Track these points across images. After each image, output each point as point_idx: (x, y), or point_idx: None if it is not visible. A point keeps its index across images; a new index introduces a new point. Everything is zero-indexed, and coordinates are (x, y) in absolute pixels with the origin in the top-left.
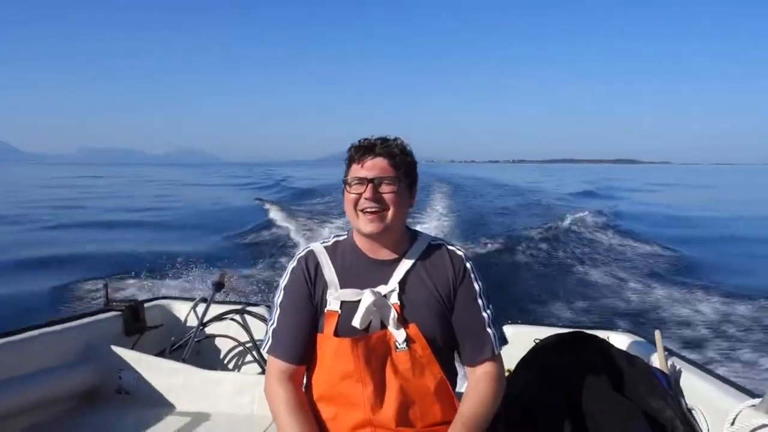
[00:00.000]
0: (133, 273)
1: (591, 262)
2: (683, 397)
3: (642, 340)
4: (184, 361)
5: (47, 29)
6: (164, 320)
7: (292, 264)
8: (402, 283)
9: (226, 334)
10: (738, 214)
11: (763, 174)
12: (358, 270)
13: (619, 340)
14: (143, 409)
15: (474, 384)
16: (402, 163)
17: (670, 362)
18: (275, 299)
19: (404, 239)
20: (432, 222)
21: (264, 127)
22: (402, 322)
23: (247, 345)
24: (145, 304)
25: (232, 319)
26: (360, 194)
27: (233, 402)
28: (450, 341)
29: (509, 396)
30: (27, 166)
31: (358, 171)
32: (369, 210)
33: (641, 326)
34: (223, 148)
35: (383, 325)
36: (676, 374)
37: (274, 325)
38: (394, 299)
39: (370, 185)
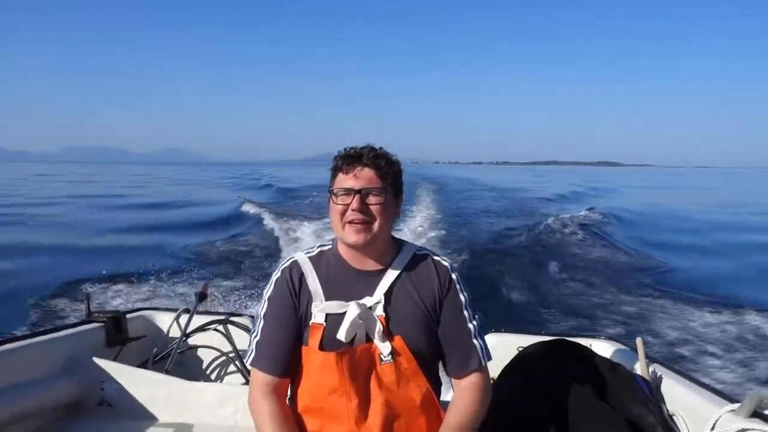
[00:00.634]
0: (114, 283)
1: (574, 268)
2: (664, 403)
3: (624, 347)
4: (167, 372)
5: (29, 24)
6: (147, 331)
7: (276, 275)
8: (387, 295)
9: (210, 344)
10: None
11: (743, 177)
12: (343, 281)
13: (602, 347)
14: (126, 420)
15: (460, 395)
16: (389, 173)
17: (651, 369)
18: (259, 310)
19: (389, 249)
20: (415, 223)
21: (250, 127)
22: (387, 334)
23: (231, 355)
24: (128, 315)
25: (215, 330)
26: (347, 205)
27: (217, 413)
28: (435, 353)
29: (493, 404)
30: (10, 163)
31: (344, 181)
32: (356, 221)
33: (624, 334)
34: (210, 147)
35: (368, 338)
36: (658, 381)
37: (258, 336)
38: (379, 311)
39: (357, 196)
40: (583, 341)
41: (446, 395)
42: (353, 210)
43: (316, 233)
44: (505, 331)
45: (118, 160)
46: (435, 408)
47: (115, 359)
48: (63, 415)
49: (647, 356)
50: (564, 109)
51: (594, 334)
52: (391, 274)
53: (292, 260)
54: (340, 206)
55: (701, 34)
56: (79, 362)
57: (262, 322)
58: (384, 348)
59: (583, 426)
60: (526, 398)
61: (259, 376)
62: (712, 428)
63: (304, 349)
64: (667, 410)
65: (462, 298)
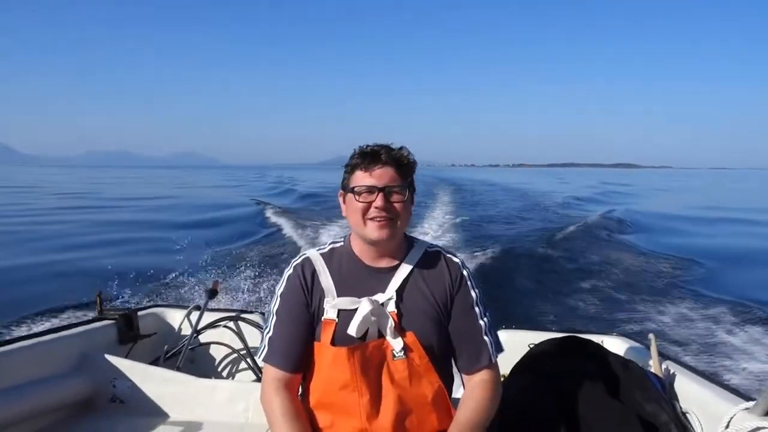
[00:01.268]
0: (126, 280)
1: (587, 266)
2: (677, 400)
3: (636, 344)
4: (178, 369)
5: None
6: (158, 328)
7: (288, 271)
8: (399, 292)
9: (220, 341)
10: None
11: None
12: (355, 278)
13: (614, 344)
14: (137, 417)
15: (470, 391)
16: (408, 171)
17: (664, 366)
18: (271, 306)
19: (402, 246)
20: (434, 223)
21: (264, 129)
22: (399, 330)
23: (242, 352)
24: (139, 313)
25: (226, 327)
26: (369, 202)
27: (228, 410)
28: (447, 349)
29: (504, 401)
30: (27, 167)
31: (365, 179)
32: (378, 218)
33: (636, 331)
34: (224, 151)
35: (380, 334)
36: (671, 378)
37: (270, 333)
38: (391, 308)
39: (380, 194)
40: (595, 338)
41: (458, 392)
42: (377, 208)
43: (337, 234)
44: (516, 328)
45: (134, 164)
46: (446, 405)
47: (126, 356)
48: (75, 412)
49: (660, 353)
50: (580, 111)
51: (606, 331)
52: (403, 271)
53: (304, 257)
54: (362, 204)
55: (716, 34)
56: (91, 359)
57: (274, 318)
58: (396, 344)
59: (595, 423)
60: (537, 395)
61: (271, 372)
62: (726, 426)
63: (316, 344)
64: (681, 408)
65: (473, 294)
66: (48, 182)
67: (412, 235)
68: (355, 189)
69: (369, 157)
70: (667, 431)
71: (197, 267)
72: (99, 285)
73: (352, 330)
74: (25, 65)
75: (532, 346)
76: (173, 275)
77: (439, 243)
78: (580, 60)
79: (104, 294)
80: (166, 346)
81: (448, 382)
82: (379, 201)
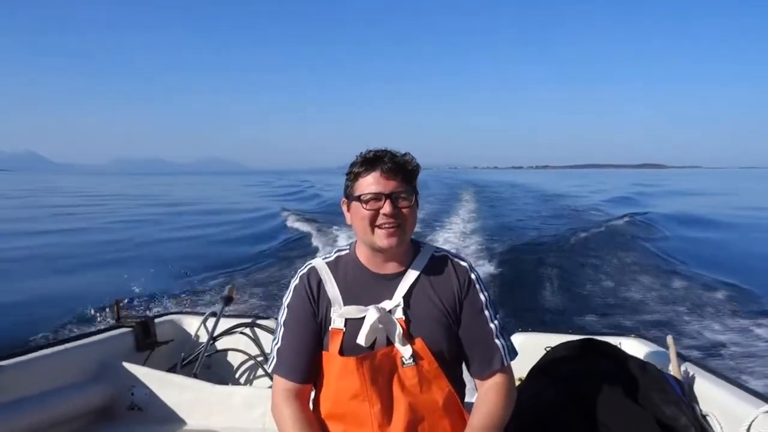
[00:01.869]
0: (143, 288)
1: (606, 269)
2: (697, 403)
3: (654, 345)
4: (195, 375)
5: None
6: (175, 335)
7: (295, 281)
8: (406, 298)
9: (237, 347)
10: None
11: None
12: (362, 286)
13: (631, 346)
14: (156, 424)
15: (483, 396)
16: (413, 176)
17: (683, 368)
18: (279, 317)
19: (408, 252)
20: (457, 227)
21: (284, 134)
22: (408, 337)
23: (258, 358)
24: (156, 320)
25: (242, 333)
26: (376, 210)
27: (245, 416)
28: (457, 354)
29: (520, 404)
30: (60, 175)
31: (370, 186)
32: (386, 225)
33: (653, 332)
34: (246, 156)
35: (389, 341)
36: (690, 380)
37: (279, 344)
38: (398, 314)
39: (388, 200)
40: (612, 340)
41: (471, 397)
42: (385, 215)
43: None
44: (532, 331)
45: (160, 170)
46: (458, 410)
47: (144, 363)
48: (94, 420)
49: (679, 355)
50: (603, 112)
51: (623, 333)
52: (410, 277)
53: (309, 266)
54: (369, 211)
55: (748, 33)
56: (109, 367)
57: (282, 329)
58: (405, 351)
59: (612, 426)
60: (554, 398)
61: (281, 383)
62: (748, 429)
63: (324, 354)
64: (701, 410)
65: (482, 297)
66: (106, 190)
67: (429, 237)
68: (361, 197)
69: (373, 163)
70: None
71: (214, 272)
72: (117, 292)
73: (361, 339)
74: (52, 73)
75: (548, 349)
76: (191, 281)
77: (461, 245)
78: (601, 59)
79: (122, 304)
80: (182, 353)
81: (460, 388)
82: (387, 208)
